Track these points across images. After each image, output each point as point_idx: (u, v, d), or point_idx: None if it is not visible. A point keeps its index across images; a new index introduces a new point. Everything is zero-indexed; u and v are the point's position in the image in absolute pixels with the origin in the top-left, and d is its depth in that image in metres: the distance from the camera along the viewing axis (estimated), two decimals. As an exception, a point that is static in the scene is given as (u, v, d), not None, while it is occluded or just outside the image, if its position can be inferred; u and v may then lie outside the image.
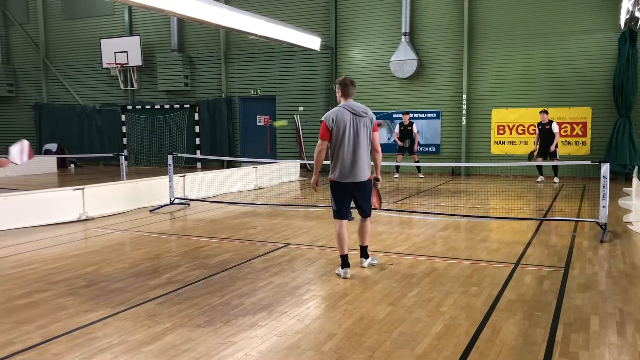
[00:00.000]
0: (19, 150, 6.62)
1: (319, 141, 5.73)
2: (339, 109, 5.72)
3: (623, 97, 14.41)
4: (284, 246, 7.26)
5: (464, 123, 16.41)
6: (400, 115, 16.37)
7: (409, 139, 15.23)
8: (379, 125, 15.65)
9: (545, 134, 13.63)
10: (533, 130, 15.15)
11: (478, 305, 4.84)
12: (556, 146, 13.52)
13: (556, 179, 13.85)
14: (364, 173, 5.75)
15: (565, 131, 15.36)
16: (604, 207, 7.58)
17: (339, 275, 5.79)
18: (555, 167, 13.90)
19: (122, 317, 4.64)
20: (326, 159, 5.86)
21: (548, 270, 5.96)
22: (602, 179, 7.52)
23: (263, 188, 13.67)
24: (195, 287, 5.47)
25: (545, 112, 13.74)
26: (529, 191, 12.69)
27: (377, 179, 6.07)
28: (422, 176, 15.51)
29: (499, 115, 16.16)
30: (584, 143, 15.36)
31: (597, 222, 7.82)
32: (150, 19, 20.57)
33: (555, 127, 13.51)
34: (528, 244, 7.26)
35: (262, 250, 7.06)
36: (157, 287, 5.45)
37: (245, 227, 8.67)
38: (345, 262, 5.79)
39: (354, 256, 6.21)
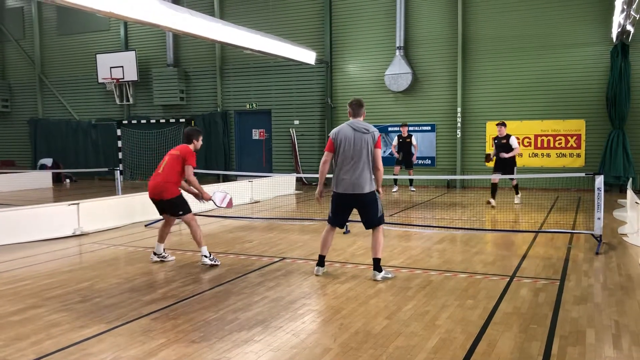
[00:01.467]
0: (224, 198, 7.17)
1: (324, 153, 6.19)
2: (343, 125, 6.11)
3: (616, 109, 14.52)
4: (280, 260, 7.24)
5: (458, 136, 16.48)
6: (397, 128, 16.39)
7: (404, 152, 14.91)
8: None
9: (502, 149, 11.90)
10: (492, 144, 12.68)
11: (474, 318, 4.84)
12: (513, 162, 11.94)
13: (517, 199, 12.50)
14: (363, 186, 5.96)
15: (560, 143, 15.46)
16: (598, 219, 7.61)
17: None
18: (516, 186, 12.60)
19: (116, 333, 4.60)
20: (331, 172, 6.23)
21: (544, 283, 5.96)
22: (596, 191, 7.56)
23: (259, 202, 13.66)
24: (190, 302, 5.44)
25: (503, 124, 12.12)
26: (524, 203, 12.70)
27: (377, 192, 6.19)
28: (413, 189, 15.49)
29: (494, 128, 16.15)
30: (578, 155, 15.44)
31: (592, 234, 7.85)
32: (146, 34, 20.66)
33: (514, 142, 11.87)
34: (524, 257, 7.26)
35: (258, 264, 7.04)
36: (151, 303, 5.42)
37: (241, 241, 8.65)
38: (319, 261, 6.35)
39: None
